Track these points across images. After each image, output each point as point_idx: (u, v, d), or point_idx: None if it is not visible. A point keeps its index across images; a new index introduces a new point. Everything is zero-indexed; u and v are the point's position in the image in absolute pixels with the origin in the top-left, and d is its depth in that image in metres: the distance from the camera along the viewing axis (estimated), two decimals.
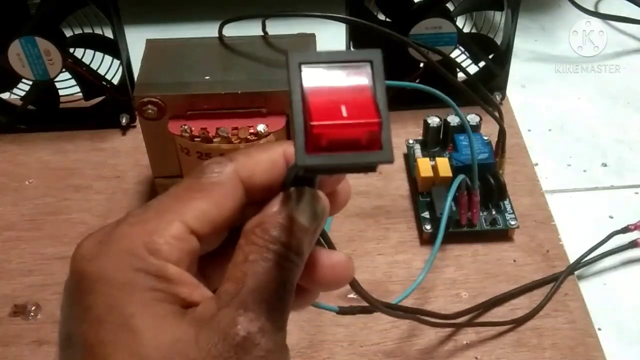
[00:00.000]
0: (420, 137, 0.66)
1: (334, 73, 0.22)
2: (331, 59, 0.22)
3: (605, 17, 0.83)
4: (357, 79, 0.22)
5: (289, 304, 0.25)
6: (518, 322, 0.53)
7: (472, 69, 0.69)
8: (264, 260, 0.24)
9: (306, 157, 0.21)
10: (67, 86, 0.68)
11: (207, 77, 0.54)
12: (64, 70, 0.66)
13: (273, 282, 0.24)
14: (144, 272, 0.24)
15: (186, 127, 0.52)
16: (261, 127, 0.52)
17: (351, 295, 0.54)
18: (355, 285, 0.31)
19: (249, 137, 0.52)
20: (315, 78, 0.22)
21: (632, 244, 0.58)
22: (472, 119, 0.63)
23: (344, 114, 0.21)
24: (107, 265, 0.24)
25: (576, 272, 0.57)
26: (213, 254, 0.27)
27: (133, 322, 0.23)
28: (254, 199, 0.26)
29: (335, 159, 0.22)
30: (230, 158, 0.27)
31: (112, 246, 0.24)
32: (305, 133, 0.21)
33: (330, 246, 0.28)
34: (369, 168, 0.22)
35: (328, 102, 0.22)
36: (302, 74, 0.22)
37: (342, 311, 0.48)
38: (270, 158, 0.27)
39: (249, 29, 0.60)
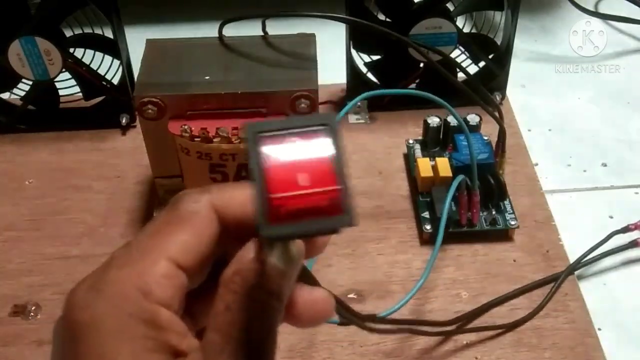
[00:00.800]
0: (420, 137, 0.66)
1: (291, 140, 0.22)
2: (288, 126, 0.23)
3: (605, 17, 0.83)
4: (315, 145, 0.23)
5: (274, 350, 0.25)
6: (508, 328, 0.52)
7: (472, 69, 0.69)
8: (246, 308, 0.24)
9: (268, 228, 0.22)
10: (67, 86, 0.68)
11: (207, 77, 0.54)
12: (64, 70, 0.66)
13: (258, 331, 0.24)
14: (136, 319, 0.24)
15: (186, 127, 0.52)
16: None
17: (351, 296, 0.54)
18: (341, 311, 0.31)
19: None
20: (273, 148, 0.22)
21: (632, 244, 0.58)
22: (472, 119, 0.63)
23: (304, 183, 0.22)
24: (100, 312, 0.24)
25: (576, 272, 0.57)
26: (196, 292, 0.27)
27: None
28: (230, 232, 0.27)
29: (297, 228, 0.22)
30: (204, 190, 0.27)
31: (104, 292, 0.24)
32: (266, 204, 0.22)
33: (313, 283, 0.28)
34: (332, 232, 0.23)
35: (287, 172, 0.22)
36: (260, 144, 0.22)
37: (343, 322, 0.48)
38: (244, 194, 0.27)
39: (249, 29, 0.60)
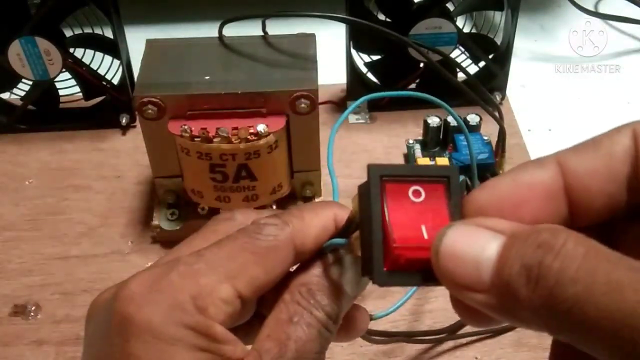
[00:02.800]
0: (420, 137, 0.66)
1: (415, 191, 0.22)
2: (410, 173, 0.22)
3: (605, 17, 0.83)
4: (436, 198, 0.22)
5: None
6: (498, 332, 0.52)
7: (472, 69, 0.69)
8: (307, 325, 0.25)
9: (383, 276, 0.21)
10: (67, 86, 0.68)
11: (207, 77, 0.54)
12: (64, 70, 0.66)
13: (313, 352, 0.25)
14: (192, 330, 0.24)
15: (186, 127, 0.52)
16: (261, 127, 0.52)
17: None
18: None
19: (249, 137, 0.52)
20: (397, 195, 0.22)
21: None
22: (472, 119, 0.63)
23: (424, 235, 0.21)
24: (156, 316, 0.24)
25: None
26: None
27: None
28: (299, 262, 0.27)
29: (408, 278, 0.22)
30: (286, 222, 0.27)
31: (162, 296, 0.24)
32: (384, 251, 0.21)
33: None
34: (438, 284, 0.22)
35: (410, 222, 0.22)
36: (383, 190, 0.22)
37: None
38: (322, 224, 0.27)
39: (249, 29, 0.60)
